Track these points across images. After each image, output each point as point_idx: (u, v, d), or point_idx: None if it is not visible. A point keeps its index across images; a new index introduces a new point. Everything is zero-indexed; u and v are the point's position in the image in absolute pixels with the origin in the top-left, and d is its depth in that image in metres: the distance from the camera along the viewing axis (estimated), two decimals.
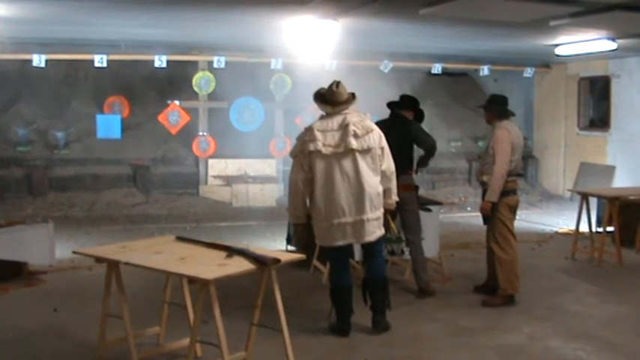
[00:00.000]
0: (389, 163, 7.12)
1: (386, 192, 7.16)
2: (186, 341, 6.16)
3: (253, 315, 5.96)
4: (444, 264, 9.61)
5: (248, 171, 17.03)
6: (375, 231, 7.05)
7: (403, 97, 8.99)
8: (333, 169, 6.91)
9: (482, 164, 8.44)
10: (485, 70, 16.47)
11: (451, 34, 11.95)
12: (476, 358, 6.62)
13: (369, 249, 7.25)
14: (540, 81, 18.26)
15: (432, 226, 9.44)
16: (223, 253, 5.76)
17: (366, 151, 6.93)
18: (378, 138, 7.02)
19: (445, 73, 17.41)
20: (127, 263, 5.73)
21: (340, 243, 7.05)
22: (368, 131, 6.95)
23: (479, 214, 8.56)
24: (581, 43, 12.62)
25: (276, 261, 5.64)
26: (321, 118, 7.12)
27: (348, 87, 7.16)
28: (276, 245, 11.11)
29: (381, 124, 8.78)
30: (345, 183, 6.91)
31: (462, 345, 6.94)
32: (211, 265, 5.45)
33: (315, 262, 9.39)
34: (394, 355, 6.67)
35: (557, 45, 13.16)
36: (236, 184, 16.72)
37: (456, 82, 20.34)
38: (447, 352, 6.76)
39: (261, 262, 5.56)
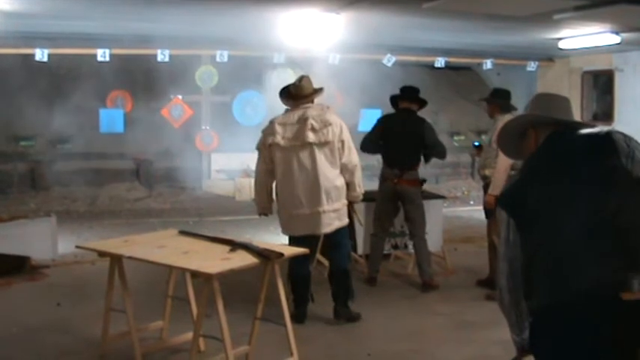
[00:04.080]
0: (350, 157, 7.24)
1: (349, 185, 7.32)
2: (189, 335, 6.17)
3: (256, 309, 5.96)
4: (447, 258, 9.62)
5: (251, 165, 16.95)
6: (332, 223, 7.21)
7: (405, 89, 8.98)
8: (291, 162, 7.15)
9: (485, 158, 8.46)
10: (488, 64, 16.43)
11: (454, 28, 11.91)
12: (479, 353, 6.61)
13: (331, 240, 7.45)
14: (543, 75, 18.20)
15: (436, 220, 9.45)
16: (226, 247, 5.76)
17: (323, 144, 7.10)
18: (338, 131, 7.15)
19: (448, 67, 17.37)
20: (130, 257, 5.72)
21: (299, 233, 7.29)
22: (326, 125, 7.10)
23: (482, 208, 8.58)
24: (585, 36, 12.58)
25: (280, 255, 5.64)
26: (285, 112, 7.38)
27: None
28: (279, 239, 11.06)
29: (390, 118, 8.89)
30: (302, 175, 7.12)
31: (466, 339, 6.94)
32: (214, 260, 5.45)
33: (318, 256, 9.38)
34: (397, 349, 6.67)
35: (560, 39, 13.11)
36: (239, 178, 16.71)
37: (459, 75, 20.32)
38: (450, 347, 6.76)
39: (265, 256, 5.56)
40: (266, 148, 7.27)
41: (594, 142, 3.42)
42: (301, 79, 7.34)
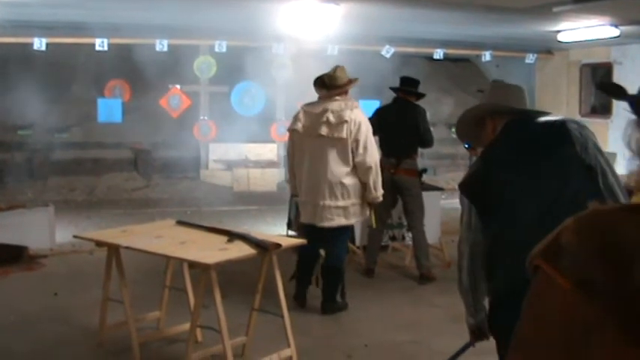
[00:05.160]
0: (364, 157, 7.13)
1: (365, 186, 7.25)
2: (186, 326, 6.18)
3: (254, 300, 5.97)
4: (444, 250, 9.61)
5: (249, 155, 17.00)
6: (333, 218, 7.19)
7: (403, 80, 8.99)
8: (305, 150, 7.26)
9: None
10: (487, 55, 16.39)
11: (453, 20, 11.89)
12: (476, 345, 6.61)
13: (331, 236, 7.34)
14: (542, 67, 18.17)
15: (433, 211, 9.44)
16: (224, 238, 5.76)
17: (336, 140, 7.07)
18: (354, 130, 7.07)
19: (447, 58, 17.33)
20: (127, 247, 5.72)
21: (303, 221, 7.45)
22: (342, 121, 7.05)
23: None
24: (584, 29, 12.56)
25: (277, 246, 5.64)
26: (317, 100, 7.37)
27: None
28: (277, 230, 11.09)
29: (386, 108, 8.92)
30: (312, 166, 7.20)
31: (463, 331, 6.88)
32: (212, 250, 5.45)
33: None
34: (394, 340, 6.69)
35: (559, 31, 13.10)
36: (237, 169, 16.70)
37: (458, 67, 20.31)
38: (447, 338, 6.74)
39: (262, 246, 5.56)
40: (290, 132, 7.46)
41: (550, 132, 3.59)
42: (335, 69, 7.29)
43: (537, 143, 3.61)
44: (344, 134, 7.03)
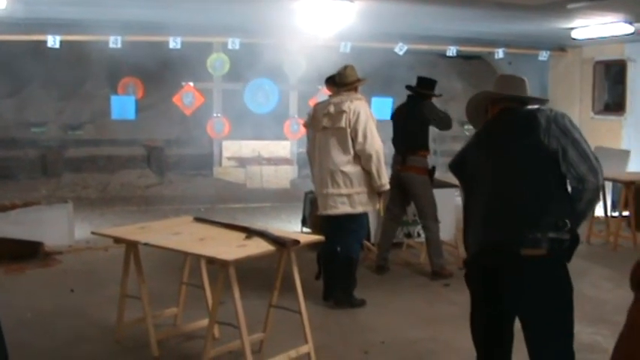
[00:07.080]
0: (364, 146, 7.28)
1: (370, 174, 7.37)
2: (203, 322, 6.21)
3: (271, 296, 5.98)
4: (460, 247, 9.59)
5: (262, 153, 17.01)
6: (337, 206, 7.37)
7: (419, 80, 9.01)
8: (315, 143, 7.58)
9: None
10: (499, 53, 16.35)
11: (466, 17, 11.87)
12: None
13: (339, 225, 7.44)
14: (555, 64, 18.11)
15: (448, 209, 9.43)
16: (242, 234, 5.77)
17: (336, 130, 7.33)
18: (353, 119, 7.28)
19: (460, 55, 17.30)
20: (146, 244, 5.73)
21: (319, 212, 7.67)
22: (340, 111, 7.32)
23: None
24: (598, 26, 12.53)
25: (296, 242, 5.64)
26: (329, 97, 7.68)
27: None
28: (291, 227, 11.12)
29: (400, 107, 8.98)
30: (319, 157, 7.49)
31: None
32: (231, 246, 5.46)
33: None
34: (411, 337, 6.69)
35: (573, 28, 13.06)
36: (250, 166, 16.72)
37: (471, 64, 20.24)
38: (464, 336, 6.72)
39: (281, 243, 5.56)
40: (305, 128, 7.94)
41: (521, 121, 4.12)
42: (345, 67, 7.53)
43: (507, 130, 4.14)
44: (343, 124, 7.26)
